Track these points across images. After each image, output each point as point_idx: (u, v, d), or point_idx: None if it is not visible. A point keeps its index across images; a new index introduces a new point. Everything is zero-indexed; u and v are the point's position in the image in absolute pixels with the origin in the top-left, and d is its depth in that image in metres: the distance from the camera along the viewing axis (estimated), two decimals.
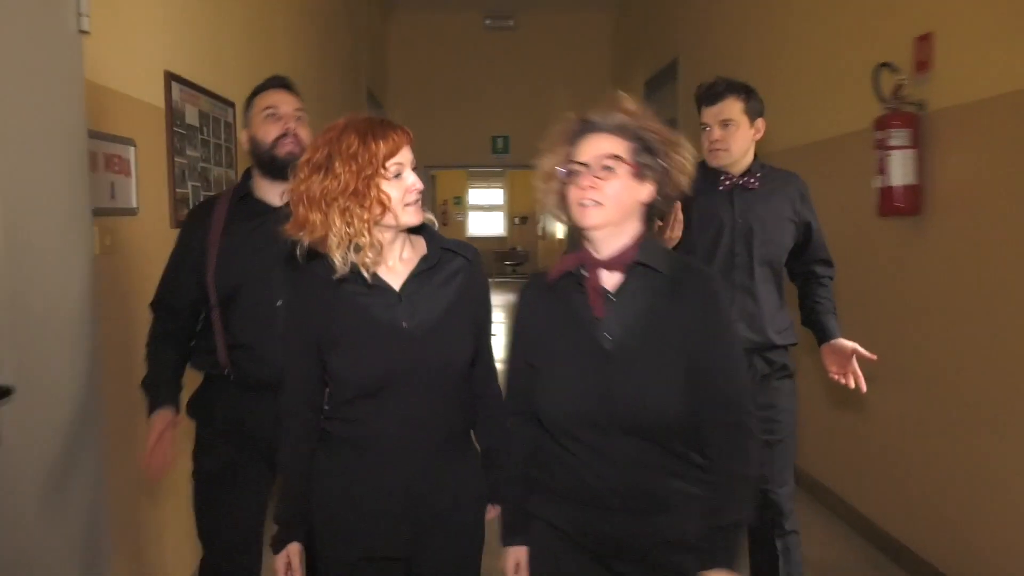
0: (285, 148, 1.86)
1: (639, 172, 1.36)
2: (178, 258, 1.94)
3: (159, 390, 1.87)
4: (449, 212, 16.97)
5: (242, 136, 1.96)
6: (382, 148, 1.37)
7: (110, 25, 2.10)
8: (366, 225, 1.37)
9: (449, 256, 1.53)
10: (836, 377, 2.21)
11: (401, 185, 1.39)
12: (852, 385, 2.16)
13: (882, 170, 2.79)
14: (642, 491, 1.38)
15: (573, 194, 1.38)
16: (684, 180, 1.41)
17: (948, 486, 2.67)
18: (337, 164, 1.36)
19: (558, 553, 1.45)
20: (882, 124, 2.77)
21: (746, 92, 2.22)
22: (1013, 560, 2.35)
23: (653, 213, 1.42)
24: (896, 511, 3.00)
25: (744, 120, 2.20)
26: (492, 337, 1.62)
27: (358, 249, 1.40)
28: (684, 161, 1.40)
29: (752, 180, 2.22)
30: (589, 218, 1.36)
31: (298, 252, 1.43)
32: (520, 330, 1.51)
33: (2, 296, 1.56)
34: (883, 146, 2.76)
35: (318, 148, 1.39)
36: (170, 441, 1.84)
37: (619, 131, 1.37)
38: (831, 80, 3.36)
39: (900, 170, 2.73)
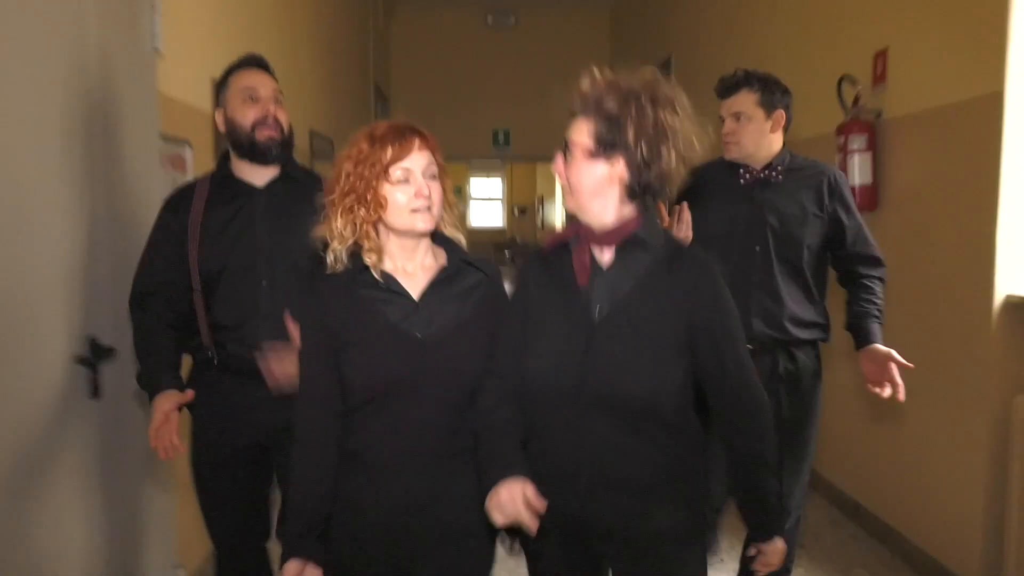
0: (264, 133, 1.83)
1: (592, 152, 1.33)
2: (157, 245, 1.87)
3: (158, 377, 1.78)
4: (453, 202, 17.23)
5: (217, 116, 1.89)
6: (388, 153, 1.39)
7: (169, 40, 2.44)
8: (366, 226, 1.41)
9: (469, 270, 1.52)
10: (871, 387, 2.07)
11: (408, 190, 1.40)
12: (887, 394, 2.02)
13: (843, 170, 3.13)
14: (613, 472, 1.37)
15: None
16: (663, 146, 1.30)
17: (897, 453, 3.04)
18: (348, 166, 1.41)
19: (547, 540, 1.43)
20: (843, 130, 3.11)
21: (762, 84, 2.16)
22: (945, 512, 2.73)
23: (638, 189, 1.35)
24: (851, 473, 3.38)
25: (758, 112, 2.15)
26: None
27: (360, 249, 1.43)
28: (660, 122, 1.30)
29: (773, 173, 2.17)
30: (566, 203, 1.42)
31: (324, 252, 1.46)
32: (515, 304, 1.49)
33: (104, 272, 1.92)
34: (844, 149, 3.10)
35: (344, 148, 1.45)
36: (176, 423, 1.74)
37: (583, 112, 1.35)
38: (802, 87, 3.68)
39: (859, 171, 3.08)
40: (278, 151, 1.85)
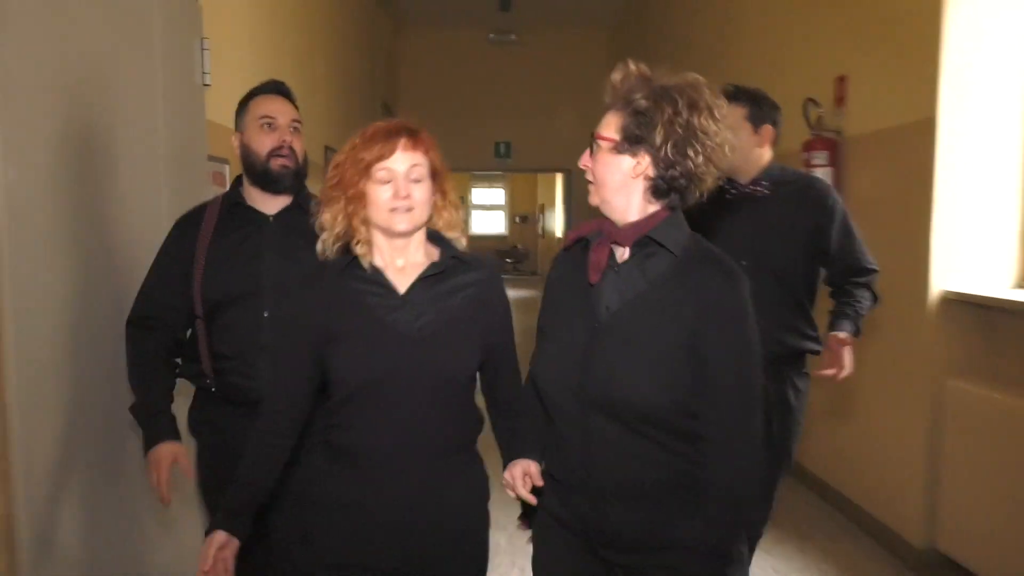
0: (279, 162, 1.81)
1: (617, 145, 1.29)
2: (163, 268, 1.85)
3: (154, 421, 1.79)
4: (456, 204, 17.62)
5: (233, 140, 1.88)
6: (373, 152, 1.40)
7: (214, 73, 2.82)
8: (354, 220, 1.43)
9: (463, 267, 1.50)
10: (823, 372, 2.16)
11: (388, 190, 1.40)
12: (828, 374, 2.13)
13: None
14: (622, 477, 1.31)
15: None
16: (689, 147, 1.25)
17: (851, 433, 3.39)
18: (339, 158, 1.44)
19: (556, 543, 1.42)
20: (808, 147, 3.48)
21: (751, 99, 2.21)
22: (891, 483, 3.08)
23: (663, 187, 1.29)
24: (815, 453, 3.73)
25: (745, 127, 2.18)
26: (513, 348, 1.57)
27: (349, 240, 1.45)
28: (690, 121, 1.25)
29: (760, 188, 2.20)
30: (590, 198, 1.36)
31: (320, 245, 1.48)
32: (543, 303, 1.47)
33: None
34: (809, 164, 3.46)
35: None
36: (173, 472, 1.78)
37: (613, 105, 1.32)
38: None
39: None
40: (291, 180, 1.83)
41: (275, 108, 1.85)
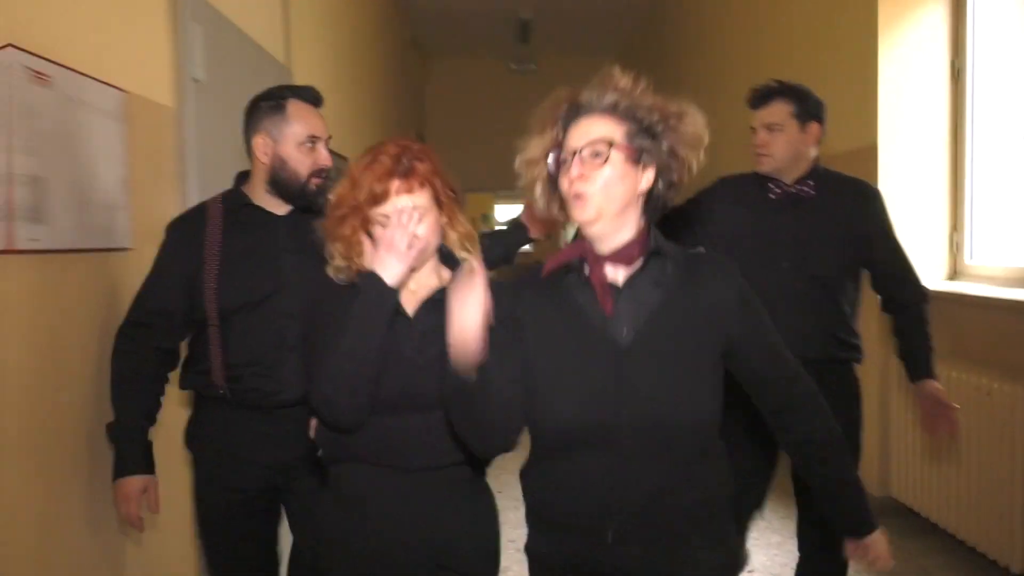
0: (317, 181, 1.76)
1: (636, 157, 1.22)
2: (162, 272, 1.73)
3: (127, 448, 1.67)
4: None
5: (257, 143, 1.74)
6: (367, 194, 1.37)
7: None
8: (351, 258, 1.43)
9: None
10: (927, 430, 2.12)
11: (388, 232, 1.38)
12: (941, 436, 2.09)
13: None
14: (661, 509, 1.24)
15: (564, 185, 1.24)
16: (692, 158, 1.24)
17: None
18: (339, 193, 1.44)
19: None
20: None
21: (797, 96, 2.11)
22: None
23: (655, 203, 1.26)
24: None
25: (792, 124, 2.08)
26: None
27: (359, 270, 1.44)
28: (694, 132, 1.24)
29: (805, 188, 2.10)
30: (581, 212, 1.23)
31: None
32: (507, 331, 1.33)
33: None
34: None
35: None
36: (142, 505, 1.69)
37: (612, 111, 1.24)
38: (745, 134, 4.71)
39: None
40: (325, 198, 1.68)
41: (320, 126, 1.79)
